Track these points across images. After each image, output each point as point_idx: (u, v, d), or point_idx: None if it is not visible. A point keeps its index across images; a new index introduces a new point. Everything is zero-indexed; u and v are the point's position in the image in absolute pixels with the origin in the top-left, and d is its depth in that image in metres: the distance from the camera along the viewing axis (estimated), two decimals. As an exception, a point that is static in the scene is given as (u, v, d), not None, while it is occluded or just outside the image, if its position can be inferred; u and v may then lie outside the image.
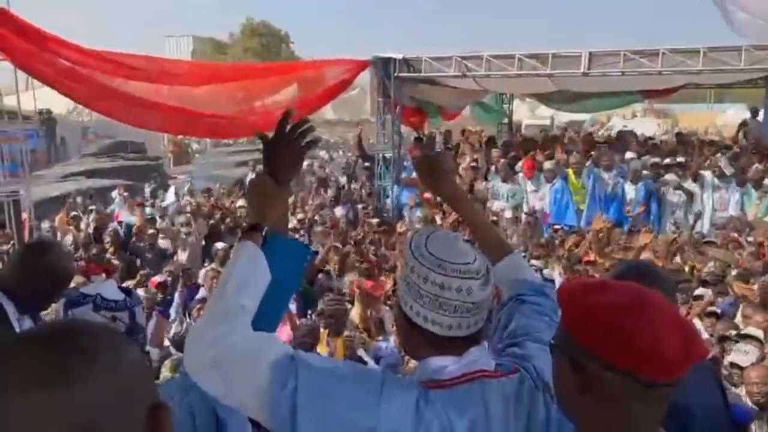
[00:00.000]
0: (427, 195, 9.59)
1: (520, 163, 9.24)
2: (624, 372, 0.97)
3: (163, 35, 43.91)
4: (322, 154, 21.48)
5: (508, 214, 8.48)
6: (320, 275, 6.19)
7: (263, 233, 1.38)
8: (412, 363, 4.18)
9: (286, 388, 1.16)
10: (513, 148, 10.29)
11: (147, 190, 11.69)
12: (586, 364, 1.00)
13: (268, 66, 7.31)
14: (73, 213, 8.80)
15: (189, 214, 8.28)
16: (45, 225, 8.55)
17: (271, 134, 1.45)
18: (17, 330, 2.08)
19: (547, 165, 8.69)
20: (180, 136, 20.86)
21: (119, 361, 0.76)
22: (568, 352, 1.04)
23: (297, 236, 7.91)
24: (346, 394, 1.18)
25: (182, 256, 7.62)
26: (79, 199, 9.56)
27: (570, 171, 8.59)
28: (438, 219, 8.72)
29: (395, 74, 9.75)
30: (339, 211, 9.12)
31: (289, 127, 1.44)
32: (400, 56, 9.74)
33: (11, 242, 6.41)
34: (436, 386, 1.24)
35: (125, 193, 10.69)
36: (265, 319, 1.30)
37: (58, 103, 20.20)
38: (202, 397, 1.51)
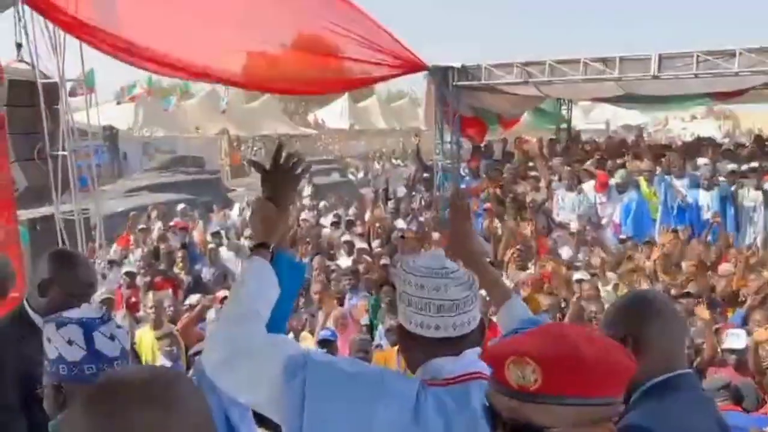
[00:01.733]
0: (488, 205, 9.38)
1: (584, 169, 8.90)
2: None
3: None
4: (378, 164, 21.41)
5: (574, 225, 8.15)
6: (384, 287, 6.05)
7: (270, 250, 1.54)
8: None
9: (296, 379, 1.29)
10: (576, 155, 9.95)
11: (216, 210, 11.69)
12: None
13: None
14: (141, 226, 8.93)
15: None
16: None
17: (267, 165, 1.64)
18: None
19: (618, 175, 8.32)
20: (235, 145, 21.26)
21: (191, 411, 0.82)
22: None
23: (358, 248, 7.82)
24: (350, 384, 1.31)
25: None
26: (154, 214, 9.67)
27: (642, 179, 8.21)
28: (498, 230, 8.49)
29: (453, 83, 9.59)
30: (400, 223, 8.97)
31: (283, 157, 1.61)
32: (458, 65, 9.58)
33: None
34: (435, 384, 1.34)
35: (183, 206, 10.84)
36: (274, 324, 1.49)
37: (120, 119, 20.95)
38: (218, 400, 1.67)
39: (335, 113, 29.74)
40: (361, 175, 20.82)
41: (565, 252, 7.11)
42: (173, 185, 14.96)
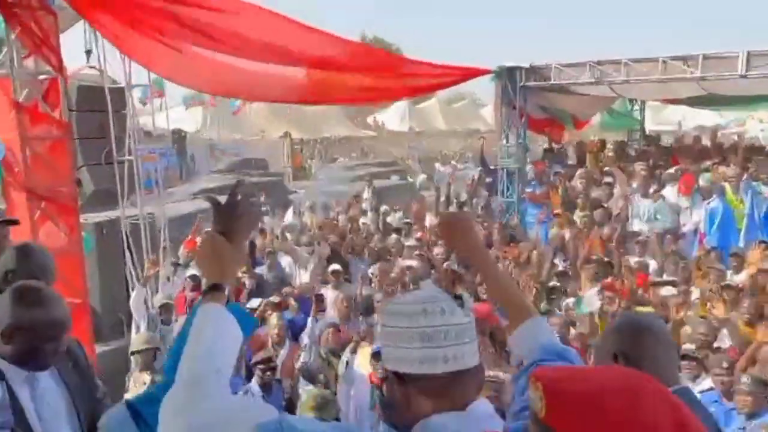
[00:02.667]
0: (558, 211, 8.96)
1: (666, 175, 8.36)
2: None
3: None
4: (441, 167, 21.08)
5: (650, 233, 7.63)
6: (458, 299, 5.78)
7: (226, 293, 1.38)
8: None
9: None
10: (656, 159, 9.38)
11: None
12: None
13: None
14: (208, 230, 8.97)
15: (318, 231, 8.19)
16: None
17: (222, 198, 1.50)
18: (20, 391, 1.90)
19: (703, 180, 7.76)
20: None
21: None
22: None
23: (416, 254, 7.58)
24: None
25: (304, 276, 7.54)
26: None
27: (727, 186, 7.62)
28: (567, 237, 8.08)
29: (521, 83, 9.25)
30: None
31: (240, 194, 1.49)
32: (526, 65, 9.23)
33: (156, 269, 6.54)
34: None
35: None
36: None
37: (187, 122, 21.51)
38: None
39: (395, 115, 29.66)
40: (421, 177, 20.54)
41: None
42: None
